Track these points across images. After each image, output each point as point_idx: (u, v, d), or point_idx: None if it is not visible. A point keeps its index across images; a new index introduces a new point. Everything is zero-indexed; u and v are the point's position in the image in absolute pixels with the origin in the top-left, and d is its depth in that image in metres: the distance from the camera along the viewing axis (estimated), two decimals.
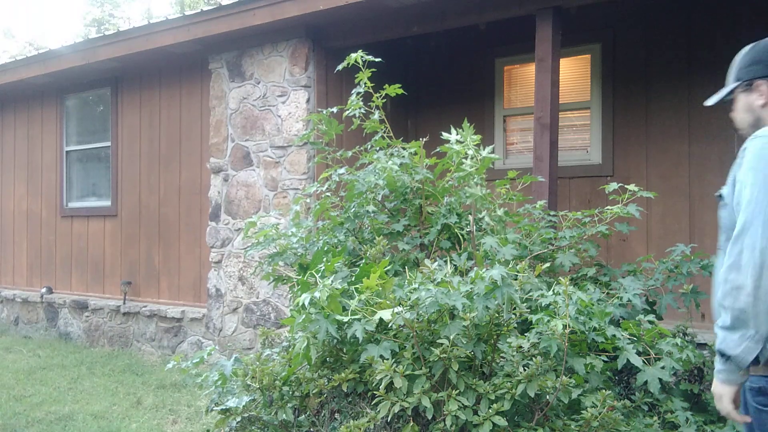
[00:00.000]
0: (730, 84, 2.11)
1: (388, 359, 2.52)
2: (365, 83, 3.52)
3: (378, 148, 3.55)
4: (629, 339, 2.82)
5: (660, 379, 2.71)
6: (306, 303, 2.56)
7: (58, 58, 7.46)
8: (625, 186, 3.50)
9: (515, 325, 2.67)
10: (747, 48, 2.11)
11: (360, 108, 3.52)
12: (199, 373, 3.16)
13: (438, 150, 3.33)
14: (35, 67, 7.74)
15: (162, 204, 7.19)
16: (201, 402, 4.96)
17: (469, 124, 3.23)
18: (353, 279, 2.86)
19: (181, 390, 5.48)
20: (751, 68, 2.05)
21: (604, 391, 2.49)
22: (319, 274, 2.75)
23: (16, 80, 8.02)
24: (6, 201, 8.93)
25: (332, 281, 2.62)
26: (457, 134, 3.21)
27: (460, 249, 3.27)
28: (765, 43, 2.06)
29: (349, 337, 2.59)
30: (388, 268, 2.79)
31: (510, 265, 2.74)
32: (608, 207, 3.51)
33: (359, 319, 2.52)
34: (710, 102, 2.18)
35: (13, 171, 8.84)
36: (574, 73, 6.10)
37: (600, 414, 2.44)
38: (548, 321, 2.48)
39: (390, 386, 2.47)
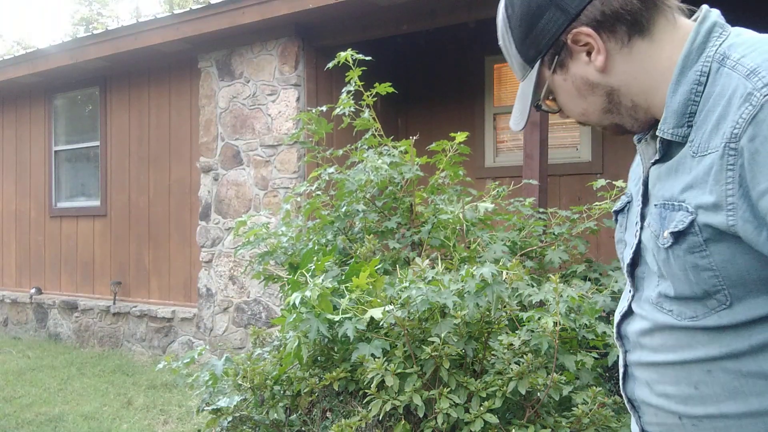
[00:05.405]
0: None
1: (379, 358, 2.52)
2: (355, 82, 3.51)
3: (368, 147, 3.54)
4: None
5: None
6: (297, 302, 2.55)
7: (46, 57, 7.41)
8: (613, 182, 3.51)
9: (506, 322, 2.68)
10: None
11: (351, 107, 3.51)
12: (190, 373, 3.14)
13: (429, 148, 3.33)
14: (23, 66, 7.68)
15: (152, 203, 7.16)
16: (192, 402, 4.95)
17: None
18: (343, 278, 2.86)
19: (171, 390, 5.46)
20: None
21: (594, 387, 2.50)
22: (310, 273, 2.74)
23: (3, 80, 7.96)
24: None
25: (323, 280, 2.61)
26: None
27: (452, 247, 3.27)
28: None
29: (340, 336, 2.59)
30: (379, 266, 2.78)
31: (501, 263, 2.74)
32: (596, 203, 3.52)
33: (350, 318, 2.52)
34: None
35: (1, 171, 8.77)
36: None
37: (591, 411, 2.45)
38: (539, 318, 2.49)
39: (381, 385, 2.47)
